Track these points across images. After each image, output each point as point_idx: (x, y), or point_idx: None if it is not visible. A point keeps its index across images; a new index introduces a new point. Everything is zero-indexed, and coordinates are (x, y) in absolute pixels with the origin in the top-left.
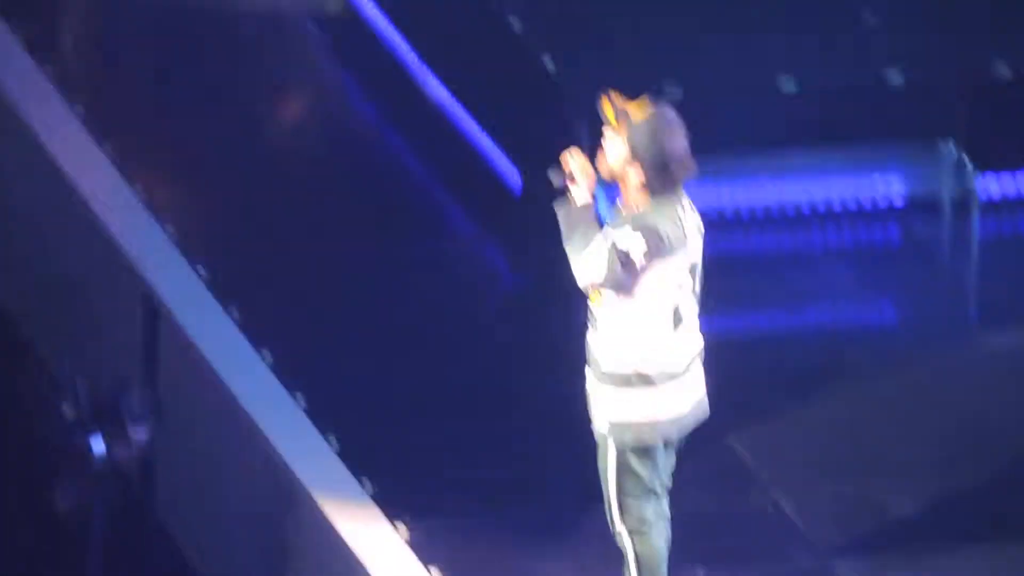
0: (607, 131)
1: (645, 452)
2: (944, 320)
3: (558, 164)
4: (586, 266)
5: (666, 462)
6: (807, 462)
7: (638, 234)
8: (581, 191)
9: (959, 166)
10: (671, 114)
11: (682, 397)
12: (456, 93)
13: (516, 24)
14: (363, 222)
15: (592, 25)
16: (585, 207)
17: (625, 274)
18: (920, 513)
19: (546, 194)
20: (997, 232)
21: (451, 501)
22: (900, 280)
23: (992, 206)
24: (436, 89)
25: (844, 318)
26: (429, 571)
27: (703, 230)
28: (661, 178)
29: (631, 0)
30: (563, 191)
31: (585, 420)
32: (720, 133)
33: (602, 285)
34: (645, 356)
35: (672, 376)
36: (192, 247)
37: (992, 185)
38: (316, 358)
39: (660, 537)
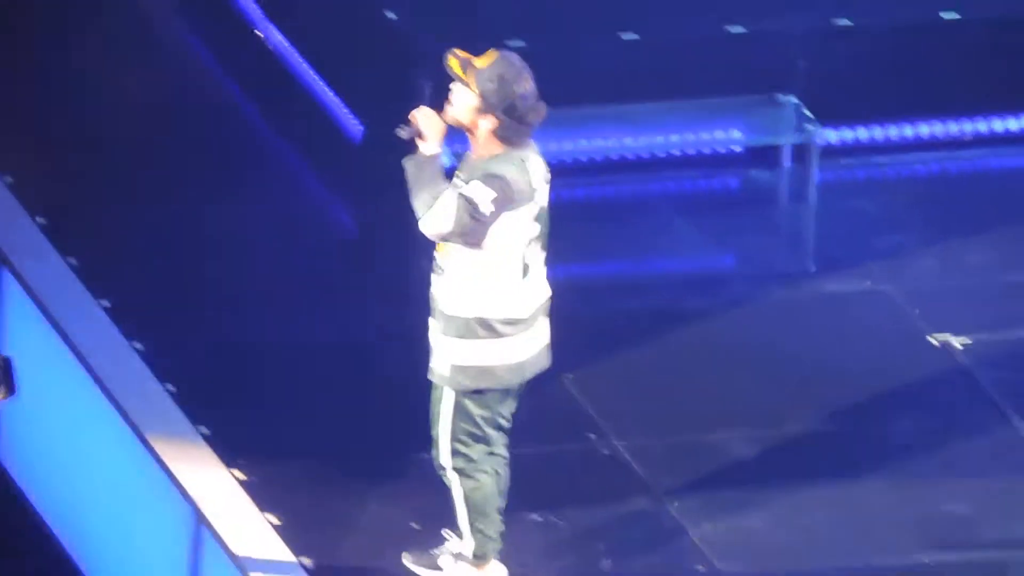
0: (454, 85)
1: (482, 397)
2: (782, 266)
3: (406, 120)
4: (435, 217)
5: (505, 408)
6: (645, 407)
7: (486, 184)
8: (430, 144)
9: (798, 117)
10: (517, 60)
11: (524, 346)
12: (298, 45)
13: None
14: (205, 179)
15: None
16: (432, 159)
17: (473, 224)
18: (757, 457)
19: (388, 145)
20: (835, 181)
21: (289, 446)
22: (740, 228)
23: (831, 155)
24: (279, 42)
25: (685, 265)
26: (265, 516)
27: (550, 179)
28: (512, 124)
29: None
30: (411, 145)
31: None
32: (563, 85)
33: (450, 236)
34: (490, 304)
35: (515, 324)
36: (32, 202)
37: (831, 135)
38: (157, 310)
39: (489, 480)
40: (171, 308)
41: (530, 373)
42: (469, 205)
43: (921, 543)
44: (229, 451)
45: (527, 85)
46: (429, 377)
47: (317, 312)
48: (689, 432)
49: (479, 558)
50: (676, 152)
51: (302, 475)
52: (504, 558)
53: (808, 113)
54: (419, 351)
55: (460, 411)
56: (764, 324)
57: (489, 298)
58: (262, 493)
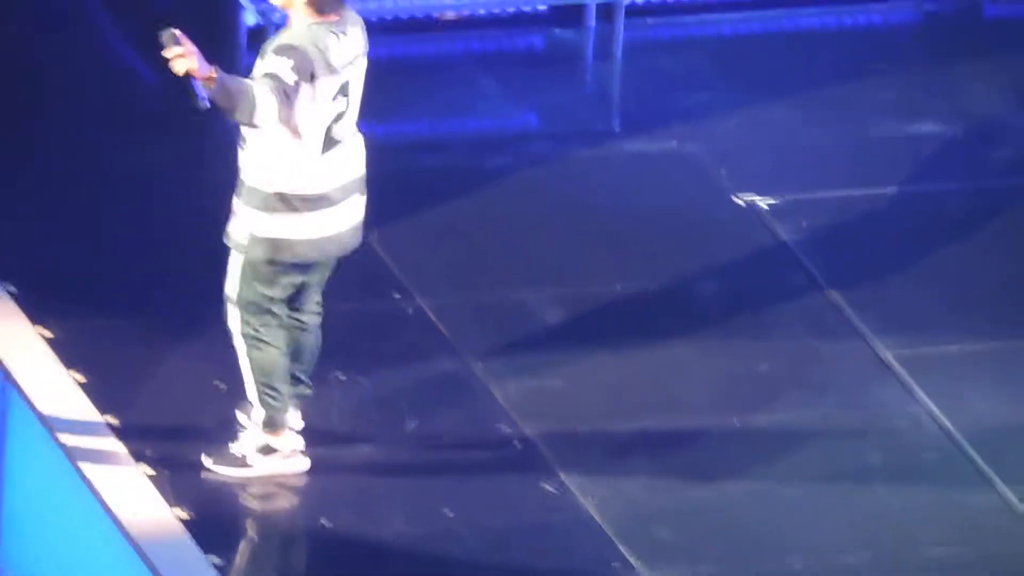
0: None
1: (273, 270)
2: (587, 125)
3: (198, 91)
4: (258, 111)
5: (309, 279)
6: (450, 266)
7: (283, 57)
8: (202, 69)
9: None
10: None
11: (327, 222)
12: None
13: None
14: None
15: None
16: (222, 77)
17: (287, 99)
18: (562, 317)
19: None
20: (640, 40)
21: (95, 304)
22: (545, 87)
23: (635, 14)
24: None
25: (490, 124)
26: (71, 374)
27: (367, 50)
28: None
29: None
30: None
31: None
32: None
33: (280, 116)
34: (289, 179)
35: (316, 201)
36: None
37: None
38: None
39: (275, 351)
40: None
41: (335, 251)
42: (273, 80)
43: (726, 403)
44: (35, 309)
45: None
46: (225, 241)
47: (124, 158)
48: (494, 291)
49: (269, 426)
50: (481, 11)
51: (108, 333)
52: (306, 417)
53: None
54: (222, 207)
55: (249, 281)
56: (569, 183)
57: (288, 173)
58: (68, 350)
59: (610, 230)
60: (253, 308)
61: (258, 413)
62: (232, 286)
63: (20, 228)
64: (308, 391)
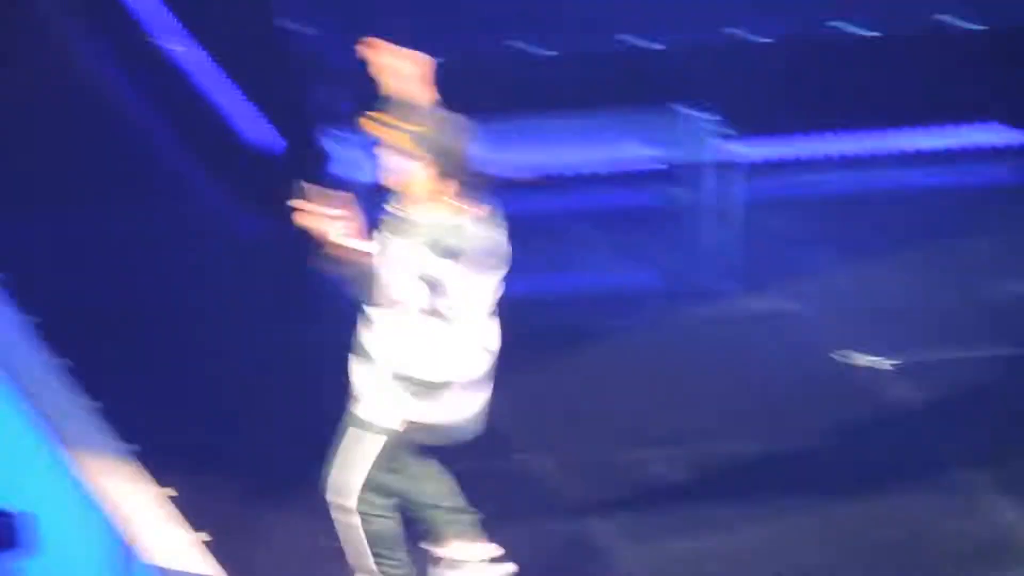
0: (396, 156)
1: (410, 451)
2: (701, 284)
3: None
4: (403, 300)
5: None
6: (570, 427)
7: (449, 260)
8: (348, 240)
9: (719, 134)
10: (464, 120)
11: (477, 402)
12: (216, 58)
13: None
14: (122, 198)
15: None
16: (359, 263)
17: (440, 299)
18: (679, 477)
19: (306, 157)
20: (756, 198)
21: (212, 461)
22: (659, 245)
23: (753, 170)
24: (187, 56)
25: (607, 283)
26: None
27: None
28: (475, 184)
29: None
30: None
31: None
32: (487, 98)
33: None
34: (457, 368)
35: (470, 383)
36: None
37: (752, 152)
38: (77, 325)
39: (390, 521)
40: (89, 320)
41: (475, 429)
42: (431, 282)
43: (844, 569)
44: (157, 468)
45: (465, 136)
46: (360, 422)
47: (239, 326)
48: (613, 450)
49: None
50: (597, 168)
51: (229, 491)
52: None
53: (727, 130)
54: (328, 362)
55: (380, 463)
56: (686, 342)
57: (456, 363)
58: (190, 509)
59: (727, 389)
60: (374, 486)
61: None
62: (360, 470)
63: (140, 389)
64: (474, 514)
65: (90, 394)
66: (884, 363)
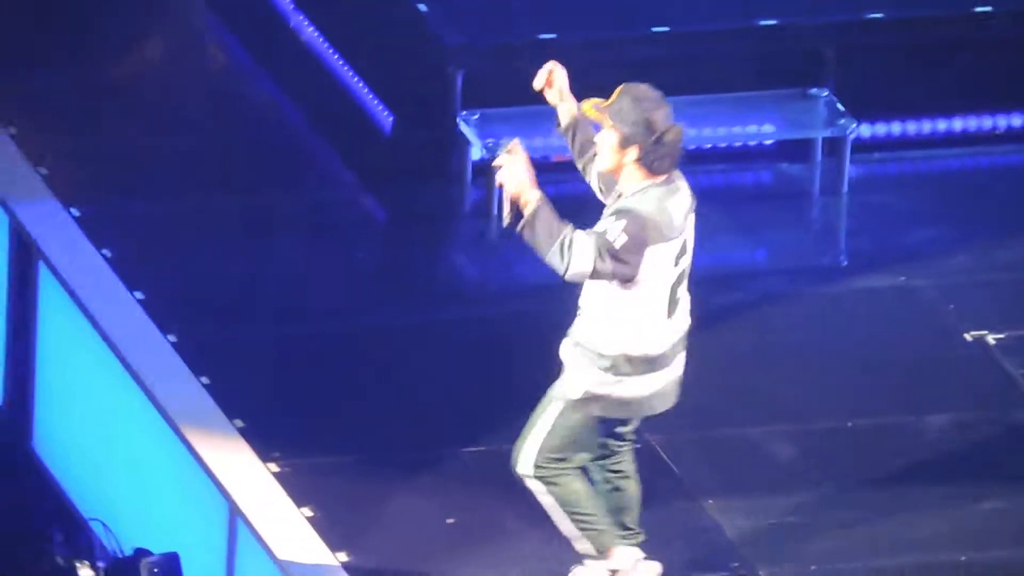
0: (597, 137)
1: (591, 424)
2: (814, 261)
3: (505, 209)
4: (573, 265)
5: (628, 429)
6: (681, 405)
7: (623, 222)
8: (527, 197)
9: (831, 111)
10: (647, 88)
11: (662, 378)
12: (329, 37)
13: None
14: (236, 171)
15: None
16: (537, 212)
17: (614, 263)
18: (793, 454)
19: (417, 136)
20: (868, 175)
21: (323, 439)
22: (772, 222)
23: (863, 149)
24: (307, 32)
25: (718, 260)
26: (300, 511)
27: (695, 207)
28: (657, 152)
29: None
30: (516, 215)
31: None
32: (596, 79)
33: (597, 275)
34: (637, 341)
35: (658, 360)
36: (66, 194)
37: (864, 129)
38: (189, 307)
39: (574, 478)
40: (204, 300)
41: (661, 406)
42: (600, 240)
43: (959, 541)
44: (264, 444)
45: (664, 110)
46: (548, 393)
47: (350, 304)
48: (725, 428)
49: (601, 551)
50: (709, 146)
51: (336, 468)
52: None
53: (841, 107)
54: (451, 344)
55: (559, 433)
56: (797, 319)
57: (635, 336)
58: (297, 486)
59: (839, 366)
60: (555, 459)
61: (584, 546)
62: (535, 437)
63: (247, 366)
64: (642, 537)
65: (198, 371)
66: (993, 337)
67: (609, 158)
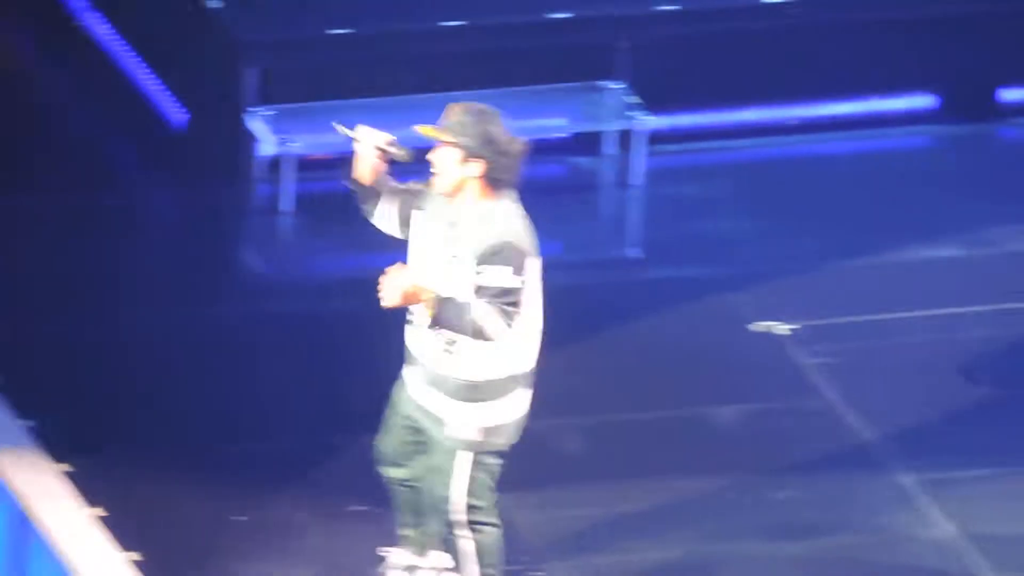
0: (432, 156)
1: (499, 450)
2: (607, 252)
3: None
4: (493, 335)
5: None
6: None
7: (509, 267)
8: (420, 295)
9: (623, 104)
10: (481, 104)
11: (529, 395)
12: (122, 33)
13: None
14: (29, 171)
15: None
16: (436, 302)
17: (515, 307)
18: (584, 446)
19: (210, 133)
20: (660, 167)
21: (114, 438)
22: (566, 214)
23: (658, 142)
24: (101, 29)
25: None
26: (92, 509)
27: None
28: (502, 165)
29: None
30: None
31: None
32: (391, 73)
33: (513, 325)
34: (520, 359)
35: (531, 375)
36: None
37: (655, 121)
38: None
39: (498, 530)
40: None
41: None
42: (501, 295)
43: (750, 531)
44: (55, 444)
45: (499, 122)
46: (440, 444)
47: (143, 300)
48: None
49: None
50: None
51: (128, 468)
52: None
53: (633, 99)
54: (243, 339)
55: (478, 468)
56: (590, 310)
57: (519, 354)
58: (89, 486)
59: (632, 357)
60: (483, 496)
61: None
62: (459, 483)
63: (39, 368)
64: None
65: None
66: (784, 328)
67: (451, 175)
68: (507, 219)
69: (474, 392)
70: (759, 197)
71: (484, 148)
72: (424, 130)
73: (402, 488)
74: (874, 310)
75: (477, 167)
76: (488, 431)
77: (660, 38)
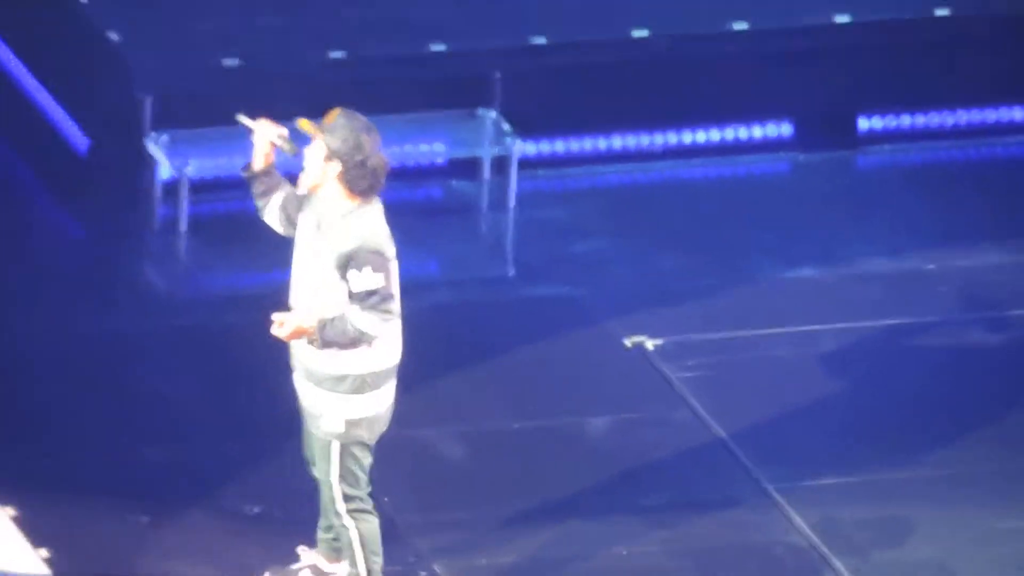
0: (306, 150)
1: (366, 445)
2: (483, 272)
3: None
4: (370, 337)
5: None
6: None
7: (369, 267)
8: (305, 329)
9: (498, 131)
10: (361, 116)
11: (392, 392)
12: (26, 61)
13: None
14: None
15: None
16: (321, 333)
17: (388, 305)
18: (466, 455)
19: (110, 158)
20: (534, 191)
21: (30, 441)
22: (443, 236)
23: (529, 166)
24: (4, 56)
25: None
26: (4, 509)
27: None
28: (359, 173)
29: None
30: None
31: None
32: (276, 102)
33: (389, 320)
34: (380, 355)
35: (392, 372)
36: None
37: (529, 147)
38: None
39: (375, 517)
40: None
41: (389, 419)
42: (369, 297)
43: (616, 537)
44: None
45: (372, 135)
46: (316, 436)
47: (50, 317)
48: (399, 429)
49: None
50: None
51: (38, 468)
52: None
53: (507, 127)
54: (148, 353)
55: (348, 458)
56: (468, 327)
57: (379, 350)
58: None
59: (507, 371)
60: (356, 487)
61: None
62: (334, 472)
63: None
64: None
65: None
66: (651, 343)
67: (314, 171)
68: (366, 224)
69: (339, 385)
70: (627, 220)
71: (348, 151)
72: (302, 123)
73: (319, 486)
74: (736, 327)
75: (336, 167)
76: (352, 423)
77: (532, 69)
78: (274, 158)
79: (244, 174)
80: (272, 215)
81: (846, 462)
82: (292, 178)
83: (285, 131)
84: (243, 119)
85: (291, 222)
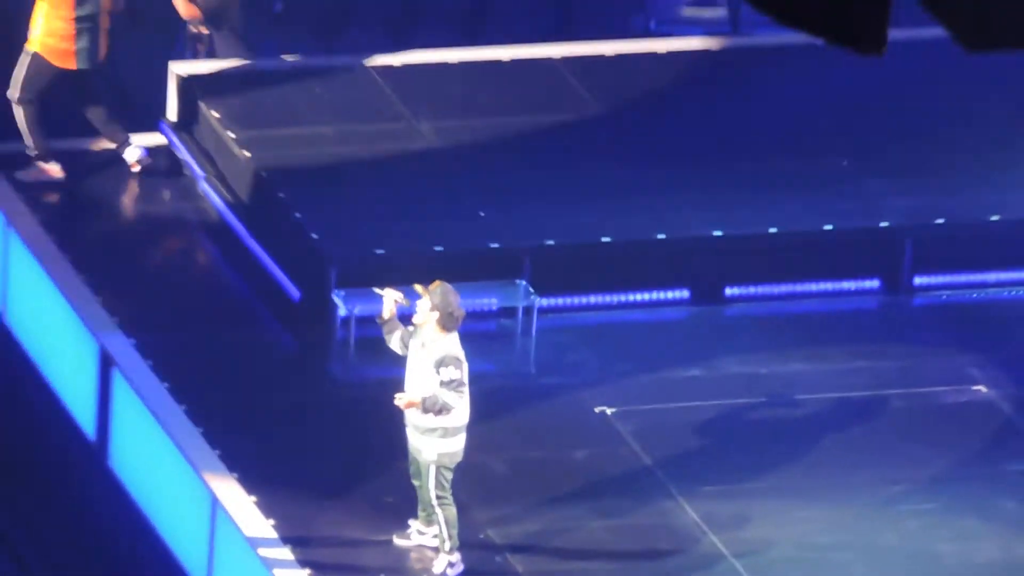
0: (418, 303)
1: (449, 468)
2: (515, 369)
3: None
4: (450, 407)
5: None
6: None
7: (451, 367)
8: (412, 400)
9: (526, 293)
10: (449, 286)
11: (464, 436)
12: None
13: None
14: None
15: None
16: (423, 404)
17: (460, 388)
18: (510, 473)
19: (315, 301)
20: (547, 326)
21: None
22: (493, 350)
23: (547, 315)
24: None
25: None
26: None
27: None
28: (449, 320)
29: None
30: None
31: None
32: (407, 275)
33: (459, 401)
34: (459, 416)
35: (464, 426)
36: None
37: (544, 301)
38: None
39: (453, 506)
40: None
41: (462, 454)
42: (452, 384)
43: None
44: (231, 463)
45: (455, 296)
46: (420, 462)
47: (282, 397)
48: (466, 457)
49: (452, 552)
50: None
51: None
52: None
53: (532, 290)
54: (329, 411)
55: (439, 475)
56: (505, 401)
57: (453, 415)
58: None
59: (526, 425)
60: (445, 489)
61: (449, 545)
62: (431, 483)
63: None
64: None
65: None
66: (608, 410)
67: (422, 315)
68: (450, 345)
69: (433, 433)
70: (607, 346)
71: (442, 305)
72: (418, 287)
73: (418, 489)
74: (669, 400)
75: (436, 314)
76: (441, 455)
77: (552, 258)
78: (395, 311)
79: (378, 320)
80: (394, 343)
81: (755, 475)
82: (404, 318)
83: (400, 295)
84: (377, 290)
85: (404, 345)
